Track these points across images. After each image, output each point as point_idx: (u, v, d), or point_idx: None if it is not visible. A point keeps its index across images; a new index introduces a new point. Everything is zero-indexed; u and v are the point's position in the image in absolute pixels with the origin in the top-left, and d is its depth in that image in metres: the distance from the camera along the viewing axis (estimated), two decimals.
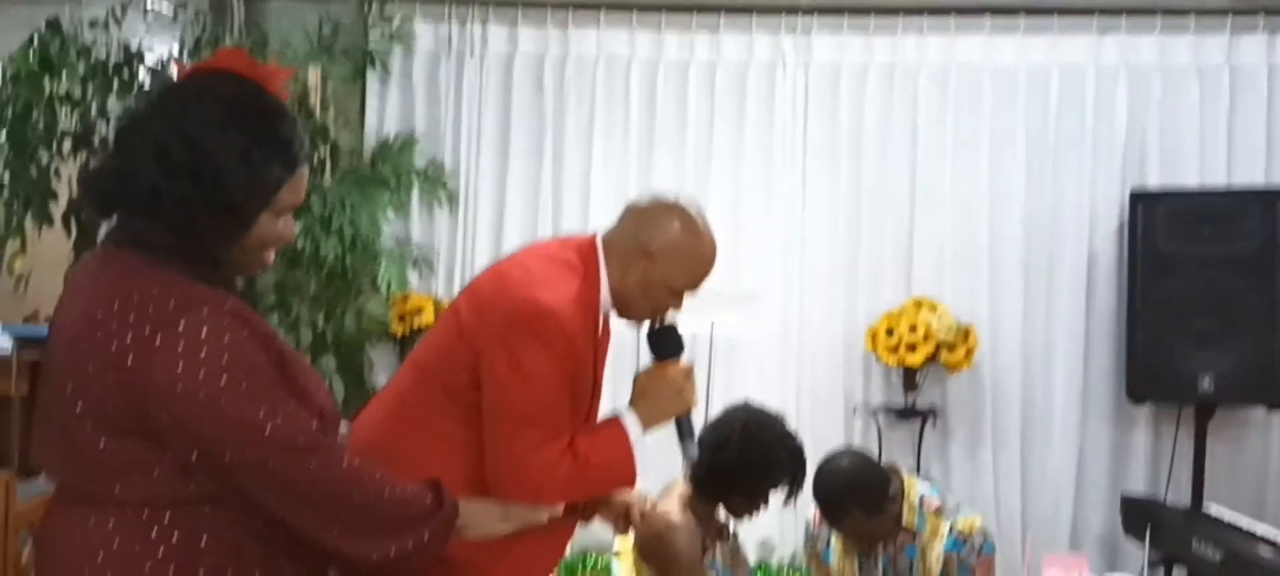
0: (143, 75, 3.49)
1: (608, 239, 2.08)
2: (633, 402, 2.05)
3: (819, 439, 3.23)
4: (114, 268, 1.56)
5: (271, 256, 1.66)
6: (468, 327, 1.99)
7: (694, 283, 2.08)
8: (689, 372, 2.09)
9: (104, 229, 1.74)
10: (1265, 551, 3.06)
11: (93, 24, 3.69)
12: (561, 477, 1.95)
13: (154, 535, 1.52)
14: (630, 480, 2.07)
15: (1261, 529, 3.30)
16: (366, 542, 1.63)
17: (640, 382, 2.07)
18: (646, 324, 2.12)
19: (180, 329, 1.48)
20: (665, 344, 2.11)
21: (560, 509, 1.98)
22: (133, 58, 3.64)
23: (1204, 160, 4.24)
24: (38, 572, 1.69)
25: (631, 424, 2.02)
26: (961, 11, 4.34)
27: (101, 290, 1.54)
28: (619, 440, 2.01)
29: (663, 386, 2.05)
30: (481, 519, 1.85)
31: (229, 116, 1.54)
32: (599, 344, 2.10)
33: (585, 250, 2.06)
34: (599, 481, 2.06)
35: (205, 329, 1.49)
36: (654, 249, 2.03)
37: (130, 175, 1.54)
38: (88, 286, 1.58)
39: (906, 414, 4.22)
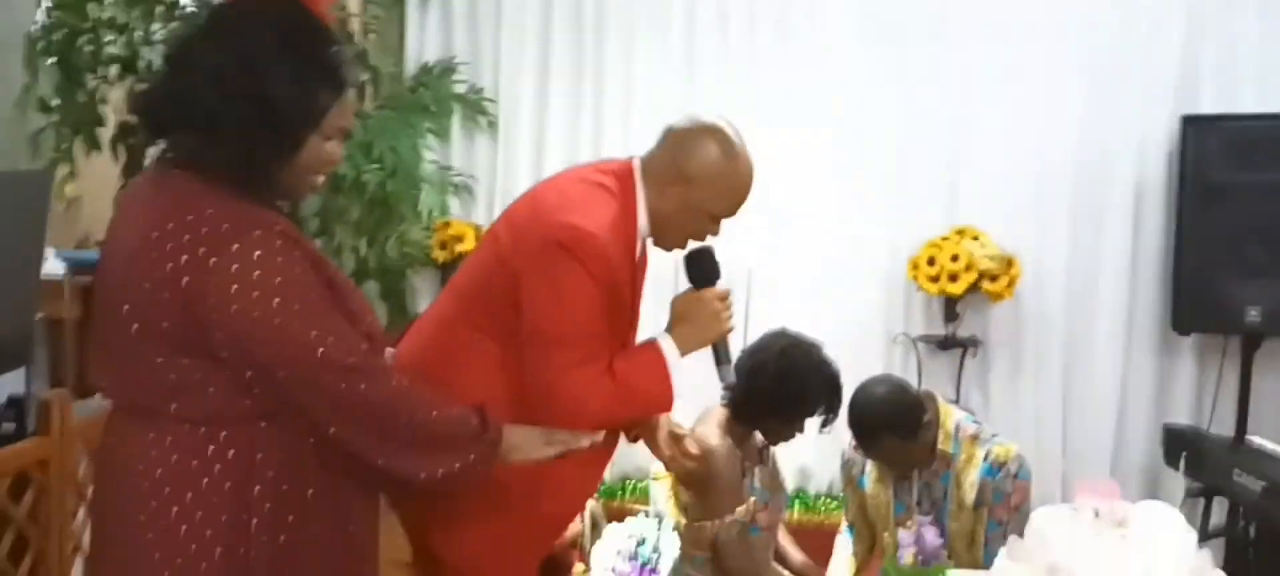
0: (186, 1, 3.51)
1: (645, 163, 2.08)
2: (670, 327, 2.06)
3: (859, 368, 3.22)
4: (168, 189, 1.60)
5: (320, 180, 1.69)
6: (505, 252, 2.01)
7: (732, 208, 2.08)
8: (726, 297, 2.09)
9: (150, 154, 1.77)
10: None
11: None
12: (599, 399, 1.96)
13: (211, 451, 1.57)
14: (668, 404, 2.08)
15: None
16: (414, 461, 1.68)
17: (678, 307, 2.08)
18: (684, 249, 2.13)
19: (234, 250, 1.52)
20: (702, 268, 2.12)
21: (602, 435, 1.99)
22: None
23: (1262, 86, 4.12)
24: (97, 489, 1.76)
25: (669, 348, 2.03)
26: None
27: (156, 211, 1.57)
28: (657, 364, 2.02)
29: (701, 310, 2.06)
30: (526, 443, 1.88)
31: (281, 40, 1.57)
32: (637, 269, 2.11)
33: (622, 174, 2.06)
34: (637, 404, 2.08)
35: (258, 251, 1.52)
36: (692, 173, 2.02)
37: (185, 97, 1.57)
38: (142, 208, 1.62)
39: (947, 343, 4.20)
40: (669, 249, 2.14)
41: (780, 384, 2.60)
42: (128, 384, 1.61)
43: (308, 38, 1.60)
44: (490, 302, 2.02)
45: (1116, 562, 1.60)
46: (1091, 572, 1.61)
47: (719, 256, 2.14)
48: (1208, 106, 4.11)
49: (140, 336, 1.56)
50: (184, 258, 1.52)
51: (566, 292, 1.92)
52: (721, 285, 2.12)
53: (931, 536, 1.92)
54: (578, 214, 1.95)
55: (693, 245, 2.13)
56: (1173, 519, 1.65)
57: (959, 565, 2.57)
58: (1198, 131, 3.98)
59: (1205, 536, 3.51)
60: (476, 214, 4.59)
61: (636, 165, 2.08)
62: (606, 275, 1.95)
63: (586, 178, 2.08)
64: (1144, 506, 1.68)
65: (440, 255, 4.39)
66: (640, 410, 2.14)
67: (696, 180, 2.02)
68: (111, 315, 1.59)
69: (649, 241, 2.12)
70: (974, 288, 4.07)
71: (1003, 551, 1.80)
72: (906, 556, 1.93)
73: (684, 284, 2.13)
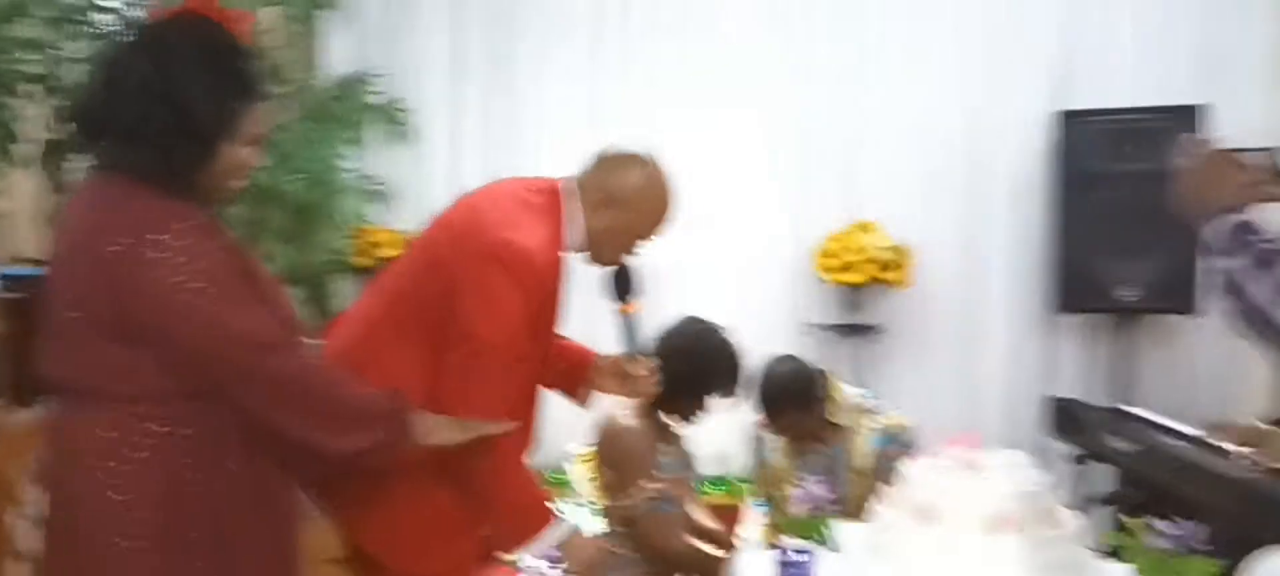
0: (106, 19, 3.57)
1: (576, 185, 2.23)
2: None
3: (768, 356, 3.42)
4: (102, 190, 1.75)
5: (240, 183, 1.83)
6: (443, 256, 2.13)
7: (654, 230, 2.25)
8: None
9: (71, 171, 1.90)
10: (1172, 441, 3.30)
11: None
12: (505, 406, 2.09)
13: (143, 427, 1.72)
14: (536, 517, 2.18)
15: (1172, 424, 3.55)
16: (328, 437, 1.81)
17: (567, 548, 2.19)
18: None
19: (158, 240, 1.67)
20: (623, 283, 2.29)
21: (512, 424, 2.10)
22: (94, 3, 3.71)
23: (1132, 81, 4.40)
24: (47, 468, 1.87)
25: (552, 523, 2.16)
26: None
27: (91, 210, 1.73)
28: (538, 506, 2.16)
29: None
30: (439, 427, 1.99)
31: (201, 55, 1.73)
32: (561, 282, 2.26)
33: (553, 195, 2.20)
34: (509, 495, 2.17)
35: (180, 240, 1.68)
36: (619, 197, 2.19)
37: (112, 106, 1.72)
38: (80, 208, 1.78)
39: (851, 330, 4.44)
40: (599, 265, 2.30)
41: (688, 363, 2.77)
42: (69, 368, 1.76)
43: (225, 53, 1.76)
44: (420, 304, 2.13)
45: (970, 498, 1.82)
46: (950, 508, 1.83)
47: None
48: (1083, 101, 4.41)
49: (79, 325, 1.71)
50: (114, 249, 1.67)
51: (498, 304, 2.05)
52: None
53: (819, 489, 2.12)
54: (514, 230, 2.09)
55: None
56: (1020, 461, 1.88)
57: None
58: (1074, 124, 4.28)
59: (1088, 502, 3.78)
60: (395, 220, 4.71)
61: (564, 186, 2.23)
62: (537, 290, 2.11)
63: (519, 196, 2.21)
64: (997, 453, 1.91)
65: (361, 261, 4.50)
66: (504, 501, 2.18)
67: (622, 204, 2.19)
68: (56, 305, 1.74)
69: (576, 257, 2.26)
70: (873, 277, 4.32)
71: (880, 499, 2.01)
72: (797, 509, 2.13)
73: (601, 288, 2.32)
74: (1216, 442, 3.17)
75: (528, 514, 2.15)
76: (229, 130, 1.75)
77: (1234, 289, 1.35)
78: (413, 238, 2.36)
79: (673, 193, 2.24)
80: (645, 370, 2.37)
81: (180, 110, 1.70)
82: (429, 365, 2.10)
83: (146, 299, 1.67)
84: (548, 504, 2.19)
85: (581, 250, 2.24)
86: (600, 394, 2.47)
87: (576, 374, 2.43)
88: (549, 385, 2.37)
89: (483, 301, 2.05)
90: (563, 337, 2.41)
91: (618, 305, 2.31)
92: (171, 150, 1.71)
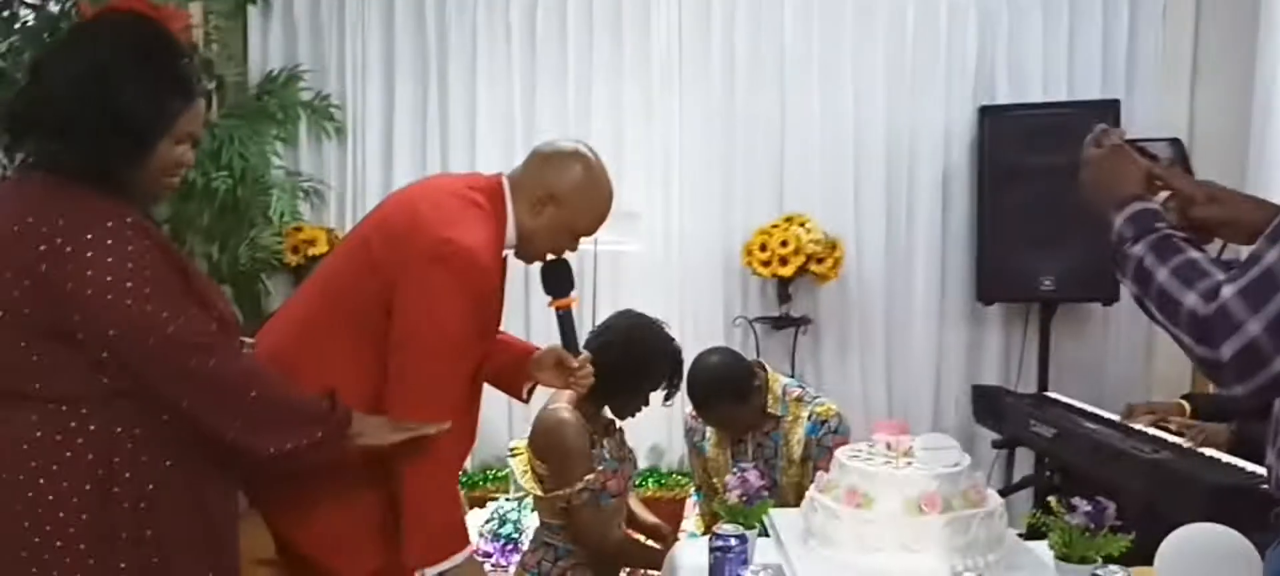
0: (26, 15, 3.51)
1: (514, 181, 2.21)
2: None
3: (701, 348, 3.48)
4: (29, 188, 1.74)
5: (173, 181, 1.83)
6: (377, 257, 2.09)
7: (594, 226, 2.25)
8: None
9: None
10: (1090, 425, 3.43)
11: None
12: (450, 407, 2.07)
13: (72, 426, 1.71)
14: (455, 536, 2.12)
15: (1090, 408, 3.70)
16: (262, 436, 1.80)
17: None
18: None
19: (88, 239, 1.66)
20: (558, 279, 2.30)
21: (448, 425, 2.06)
22: None
23: (1047, 79, 4.58)
24: None
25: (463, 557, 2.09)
26: None
27: (17, 209, 1.71)
28: (453, 523, 2.12)
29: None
30: (372, 428, 1.99)
31: (134, 53, 1.73)
32: (503, 279, 2.27)
33: (492, 191, 2.18)
34: (437, 501, 2.10)
35: (110, 239, 1.67)
36: (558, 193, 2.18)
37: (46, 103, 1.70)
38: (4, 206, 1.74)
39: (782, 322, 4.52)
40: (530, 261, 2.30)
41: (626, 357, 2.80)
42: None
43: (159, 51, 1.75)
44: (357, 304, 2.10)
45: (900, 482, 1.89)
46: (881, 491, 1.90)
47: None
48: (1002, 97, 4.56)
49: (4, 322, 1.69)
50: (42, 247, 1.66)
51: (440, 304, 2.02)
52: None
53: (754, 477, 2.17)
54: (455, 228, 2.06)
55: (549, 256, 2.29)
56: (948, 444, 1.96)
57: None
58: (993, 120, 4.42)
59: (1011, 486, 3.92)
60: (327, 217, 4.68)
61: (505, 182, 2.22)
62: (480, 288, 2.09)
63: (458, 193, 2.18)
64: (925, 437, 1.99)
65: (292, 259, 4.46)
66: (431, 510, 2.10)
67: (563, 200, 2.18)
68: None
69: (510, 252, 2.26)
70: (803, 270, 4.40)
71: (813, 485, 2.08)
72: (732, 498, 2.18)
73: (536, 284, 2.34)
74: (1131, 425, 3.32)
75: (444, 533, 2.08)
76: (165, 128, 1.74)
77: (1142, 276, 1.39)
78: (345, 236, 2.34)
79: (611, 188, 2.26)
80: (581, 363, 2.37)
81: (116, 109, 1.69)
82: (366, 364, 2.07)
83: (78, 299, 1.66)
84: (465, 532, 2.15)
85: (518, 246, 2.24)
86: (540, 387, 2.49)
87: (516, 369, 2.43)
88: (489, 381, 2.39)
89: (426, 302, 2.02)
90: (502, 333, 2.43)
91: (553, 300, 2.33)
92: (106, 149, 1.70)
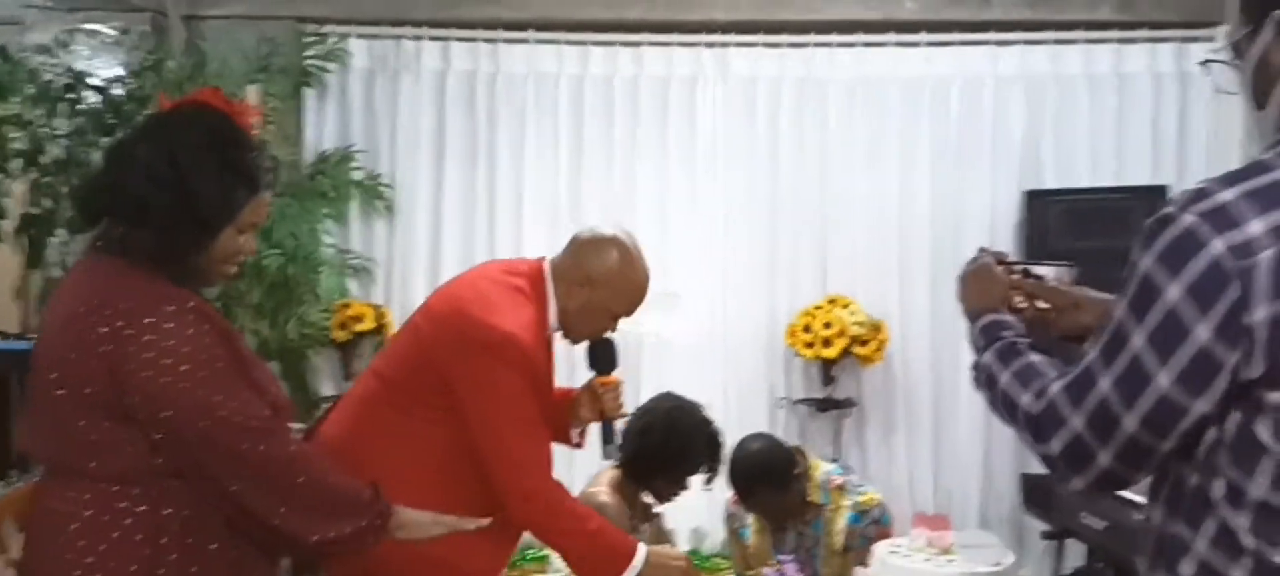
0: (90, 96, 3.63)
1: (555, 266, 2.29)
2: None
3: (744, 430, 3.45)
4: (97, 270, 1.80)
5: (233, 268, 1.89)
6: (426, 343, 2.19)
7: (630, 308, 2.31)
8: (690, 563, 2.27)
9: (52, 245, 1.95)
10: (1140, 516, 3.33)
11: (40, 49, 3.82)
12: (546, 503, 2.14)
13: (122, 506, 1.74)
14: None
15: (1140, 498, 3.59)
16: (307, 522, 1.83)
17: (651, 561, 2.19)
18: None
19: (149, 322, 1.71)
20: (603, 357, 2.36)
21: (489, 520, 2.11)
22: (79, 80, 3.78)
23: (1095, 163, 4.57)
24: (26, 543, 1.89)
25: (639, 560, 2.16)
26: (868, 28, 4.62)
27: (85, 290, 1.77)
28: (620, 551, 2.16)
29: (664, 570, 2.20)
30: (414, 522, 2.01)
31: (208, 144, 1.80)
32: (548, 359, 2.31)
33: (534, 276, 2.27)
34: (585, 552, 2.19)
35: (171, 324, 1.72)
36: (596, 277, 2.25)
37: (120, 188, 1.77)
38: (73, 287, 1.82)
39: (825, 405, 4.48)
40: (575, 342, 2.36)
41: (666, 442, 2.81)
42: (53, 445, 1.79)
43: (231, 143, 1.83)
44: (415, 388, 2.19)
45: None
46: None
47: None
48: (1049, 182, 4.53)
49: (65, 401, 1.74)
50: (105, 329, 1.71)
51: (500, 391, 2.11)
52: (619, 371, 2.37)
53: (793, 571, 2.15)
54: (497, 315, 2.14)
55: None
56: (989, 542, 1.92)
57: None
58: (1039, 203, 4.40)
59: None
60: (375, 294, 4.73)
61: (546, 267, 2.29)
62: (528, 370, 2.15)
63: (500, 280, 2.26)
64: (967, 534, 1.95)
65: (340, 335, 4.51)
66: (580, 554, 2.21)
67: (600, 283, 2.25)
68: (43, 381, 1.77)
69: (557, 334, 2.33)
70: (847, 352, 4.37)
71: None
72: None
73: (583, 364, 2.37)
74: None
75: (609, 561, 2.15)
76: (231, 216, 1.81)
77: (989, 381, 1.45)
78: (399, 329, 2.39)
79: (647, 272, 2.31)
80: (611, 387, 2.39)
81: (187, 195, 1.76)
82: (435, 443, 2.15)
83: (137, 380, 1.70)
84: (626, 545, 2.18)
85: (561, 328, 2.30)
86: (581, 424, 2.47)
87: (562, 415, 2.45)
88: None
89: (486, 393, 2.11)
90: None
91: (597, 378, 2.36)
92: (174, 234, 1.76)
